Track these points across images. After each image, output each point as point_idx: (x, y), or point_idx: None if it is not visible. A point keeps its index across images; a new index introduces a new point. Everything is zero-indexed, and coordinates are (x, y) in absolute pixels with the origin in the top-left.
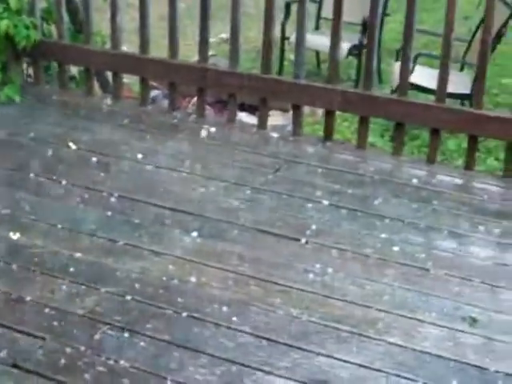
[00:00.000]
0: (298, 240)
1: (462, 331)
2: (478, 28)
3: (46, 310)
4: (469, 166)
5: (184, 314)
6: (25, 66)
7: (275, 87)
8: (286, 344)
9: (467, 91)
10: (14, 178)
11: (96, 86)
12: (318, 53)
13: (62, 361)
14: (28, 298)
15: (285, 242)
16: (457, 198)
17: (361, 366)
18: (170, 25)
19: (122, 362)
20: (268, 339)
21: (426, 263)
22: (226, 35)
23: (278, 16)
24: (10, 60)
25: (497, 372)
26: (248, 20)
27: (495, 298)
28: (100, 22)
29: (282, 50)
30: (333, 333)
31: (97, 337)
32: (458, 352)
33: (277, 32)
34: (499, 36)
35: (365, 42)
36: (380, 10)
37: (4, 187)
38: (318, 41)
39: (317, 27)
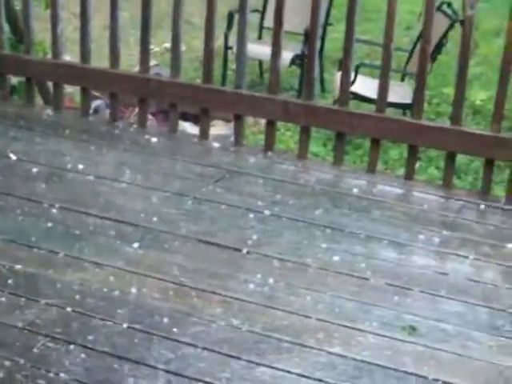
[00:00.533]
0: (239, 250)
1: (402, 340)
2: (418, 38)
3: None
4: (409, 175)
5: (124, 326)
6: None
7: (217, 97)
8: (226, 355)
9: (409, 101)
10: None
11: (37, 96)
12: (261, 62)
13: (1, 374)
14: None
15: (226, 253)
16: (397, 208)
17: (302, 375)
18: (111, 34)
19: (62, 374)
20: (208, 350)
21: (366, 272)
22: (169, 44)
23: (222, 26)
24: None
25: (436, 380)
26: (192, 29)
27: (435, 307)
28: (42, 32)
29: (225, 60)
30: (273, 343)
31: (36, 349)
32: (398, 361)
33: (220, 42)
34: (440, 46)
35: (307, 51)
36: (321, 19)
37: None
38: (260, 50)
39: (260, 37)
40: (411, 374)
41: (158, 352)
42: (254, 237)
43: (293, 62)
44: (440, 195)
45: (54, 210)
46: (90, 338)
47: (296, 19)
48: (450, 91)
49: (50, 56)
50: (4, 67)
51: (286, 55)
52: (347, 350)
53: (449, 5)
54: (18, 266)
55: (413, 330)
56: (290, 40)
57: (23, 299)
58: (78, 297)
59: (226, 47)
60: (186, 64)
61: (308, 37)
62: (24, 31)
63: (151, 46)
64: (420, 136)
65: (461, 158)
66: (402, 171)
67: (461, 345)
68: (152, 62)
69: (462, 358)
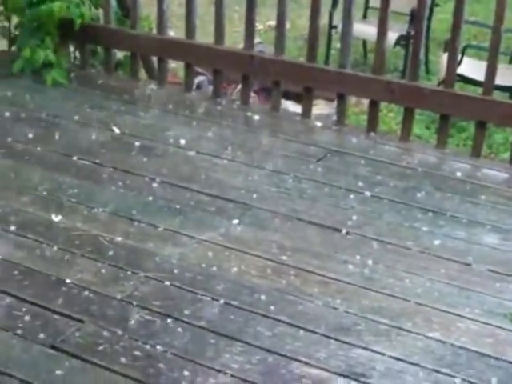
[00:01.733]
0: (339, 230)
1: (504, 328)
2: None
3: (85, 293)
4: None
5: (221, 301)
6: (72, 49)
7: (320, 76)
8: (323, 335)
9: None
10: (57, 161)
11: (141, 70)
12: (365, 42)
13: (100, 344)
14: (68, 281)
15: (325, 233)
16: (501, 193)
17: (398, 359)
18: (217, 10)
19: (158, 347)
20: (305, 329)
21: (467, 258)
22: (274, 22)
23: (327, 4)
24: (58, 43)
25: None
26: (298, 7)
27: None
28: (148, 7)
29: (329, 39)
30: (371, 325)
31: (134, 321)
32: (499, 349)
33: (325, 20)
34: None
35: (413, 32)
36: (428, 0)
37: (47, 170)
38: (366, 30)
39: (365, 16)
40: None
41: (254, 329)
42: (354, 217)
43: (398, 42)
44: None
45: (155, 184)
46: (187, 312)
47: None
48: None
49: (155, 31)
50: (110, 41)
51: (392, 36)
52: (446, 335)
53: None
54: (119, 238)
55: None
56: (396, 20)
57: (122, 271)
58: (176, 271)
59: (331, 26)
60: (290, 42)
61: (414, 17)
62: (130, 6)
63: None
64: None
65: None
66: (506, 156)
67: None
68: (256, 40)
69: None
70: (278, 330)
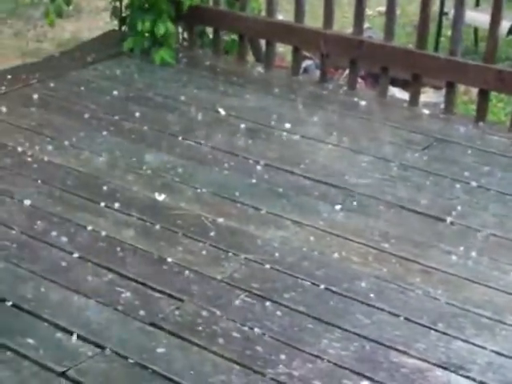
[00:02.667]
0: (443, 220)
1: None
2: None
3: (186, 273)
4: None
5: (322, 287)
6: (180, 30)
7: (430, 63)
8: (423, 325)
9: None
10: (162, 140)
11: (249, 53)
12: (476, 30)
13: (198, 324)
14: (169, 260)
15: (429, 222)
16: None
17: (500, 354)
18: None
19: (256, 329)
20: (405, 318)
21: None
22: (383, 8)
23: None
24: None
25: None
26: None
27: None
28: None
29: (440, 26)
30: (473, 318)
31: (233, 302)
32: None
33: (435, 7)
34: None
35: None
36: None
37: (152, 148)
38: (478, 17)
39: (477, 3)
40: None
41: (354, 316)
42: (459, 208)
43: (510, 31)
44: None
45: (259, 167)
46: (287, 296)
47: None
48: None
49: (264, 14)
50: (219, 23)
51: (505, 24)
52: None
53: None
54: (221, 220)
55: None
56: (509, 8)
57: (223, 252)
58: (277, 254)
59: (442, 13)
60: (399, 29)
61: None
62: None
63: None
64: None
65: None
66: None
67: None
68: (365, 25)
69: None
70: (378, 318)
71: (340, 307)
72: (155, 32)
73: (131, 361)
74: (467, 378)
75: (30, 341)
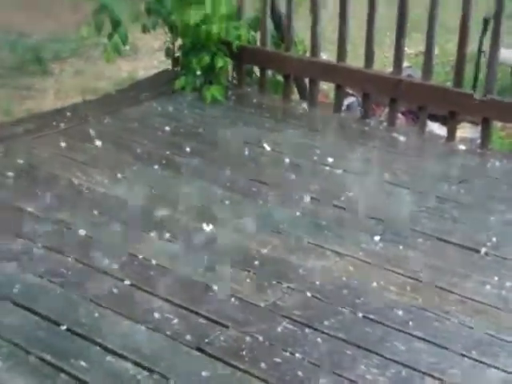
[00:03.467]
0: (478, 251)
1: None
2: None
3: (232, 300)
4: None
5: (360, 315)
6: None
7: (466, 101)
8: (458, 353)
9: None
10: (209, 173)
11: (294, 91)
12: None
13: (242, 349)
14: (215, 287)
15: (464, 253)
16: None
17: None
18: (368, 35)
19: (297, 354)
20: (441, 346)
21: None
22: (423, 48)
23: (476, 30)
24: (221, 63)
25: None
26: (446, 33)
27: None
28: (303, 30)
29: (478, 65)
30: (507, 346)
31: (276, 329)
32: None
33: (473, 46)
34: None
35: None
36: None
37: (201, 181)
38: None
39: None
40: None
41: (391, 343)
42: (494, 239)
43: None
44: None
45: (304, 200)
46: (327, 323)
47: None
48: None
49: (308, 54)
50: (266, 63)
51: None
52: None
53: None
54: (265, 250)
55: None
56: None
57: (267, 281)
58: (318, 283)
59: (480, 52)
60: (438, 68)
61: None
62: (285, 30)
63: (405, 49)
64: None
65: None
66: None
67: None
68: (405, 64)
69: None
70: (414, 346)
71: (378, 334)
72: (214, 65)
73: None
74: None
75: (83, 363)
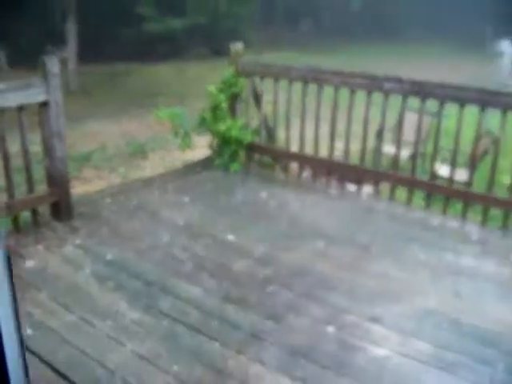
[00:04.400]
0: None
1: None
2: None
3: None
4: None
5: None
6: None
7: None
8: None
9: None
10: (229, 227)
11: (277, 167)
12: None
13: None
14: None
15: None
16: None
17: None
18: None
19: None
20: None
21: None
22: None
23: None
24: (238, 151)
25: None
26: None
27: None
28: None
29: None
30: None
31: None
32: None
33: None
34: None
35: None
36: None
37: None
38: None
39: None
40: None
41: None
42: None
43: None
44: None
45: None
46: None
47: None
48: None
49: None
50: (262, 152)
51: None
52: None
53: None
54: None
55: None
56: None
57: None
58: None
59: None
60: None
61: None
62: (272, 135)
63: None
64: None
65: None
66: None
67: None
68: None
69: None
70: None
71: None
72: (235, 153)
73: None
74: None
75: None
